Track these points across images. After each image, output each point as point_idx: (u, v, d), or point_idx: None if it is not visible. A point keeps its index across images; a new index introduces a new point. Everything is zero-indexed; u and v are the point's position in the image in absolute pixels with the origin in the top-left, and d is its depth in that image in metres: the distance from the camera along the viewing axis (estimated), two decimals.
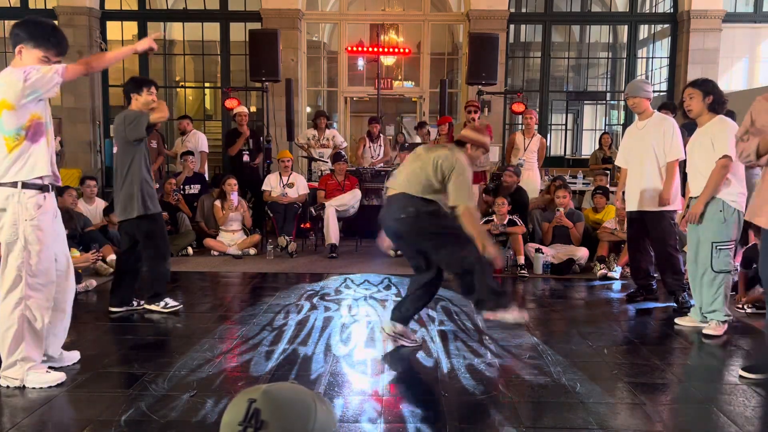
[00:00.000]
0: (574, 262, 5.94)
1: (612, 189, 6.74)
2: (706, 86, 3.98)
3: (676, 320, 4.33)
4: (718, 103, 3.98)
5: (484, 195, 6.73)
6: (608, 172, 8.12)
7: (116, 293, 4.46)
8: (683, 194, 5.16)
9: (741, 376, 3.28)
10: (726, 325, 4.02)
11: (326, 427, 0.97)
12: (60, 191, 6.02)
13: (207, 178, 8.14)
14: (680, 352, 3.81)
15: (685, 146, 4.36)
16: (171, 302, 4.51)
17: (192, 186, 7.57)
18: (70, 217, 5.96)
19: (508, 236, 6.11)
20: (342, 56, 10.95)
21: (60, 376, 3.11)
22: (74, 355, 3.43)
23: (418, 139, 8.91)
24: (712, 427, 2.75)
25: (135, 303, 4.52)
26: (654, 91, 4.90)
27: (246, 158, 7.88)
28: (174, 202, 7.04)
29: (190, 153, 7.67)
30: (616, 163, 5.10)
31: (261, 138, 8.23)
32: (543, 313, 4.69)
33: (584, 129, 12.95)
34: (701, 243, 4.03)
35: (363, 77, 12.61)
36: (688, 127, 7.22)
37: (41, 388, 3.02)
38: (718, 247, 3.91)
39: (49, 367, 3.18)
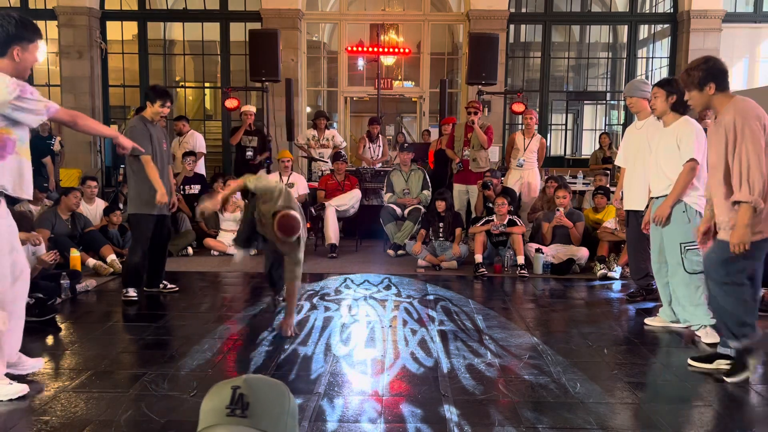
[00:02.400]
0: (574, 262, 5.94)
1: (613, 189, 6.74)
2: (670, 86, 4.01)
3: (646, 320, 4.36)
4: (680, 103, 3.98)
5: (484, 191, 6.73)
6: (608, 172, 8.13)
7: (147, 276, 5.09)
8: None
9: (689, 364, 3.44)
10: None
11: (296, 408, 1.10)
12: (65, 192, 6.05)
13: (206, 178, 8.14)
14: (680, 352, 3.80)
15: None
16: (130, 292, 4.79)
17: (192, 186, 7.57)
18: (72, 217, 5.98)
19: (508, 236, 6.11)
20: (342, 56, 10.95)
21: (22, 388, 2.93)
22: (37, 363, 3.28)
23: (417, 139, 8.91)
24: (712, 427, 2.75)
25: (161, 285, 5.10)
26: None
27: (249, 154, 7.91)
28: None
29: (192, 153, 7.67)
30: (616, 162, 5.11)
31: (266, 137, 8.26)
32: (543, 313, 4.69)
33: (584, 129, 12.95)
34: (667, 245, 4.01)
35: (363, 77, 12.61)
36: None
37: (2, 401, 2.86)
38: (686, 248, 3.88)
39: (6, 374, 3.04)
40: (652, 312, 4.58)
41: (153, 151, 4.71)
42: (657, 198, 4.10)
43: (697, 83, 3.19)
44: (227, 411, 1.00)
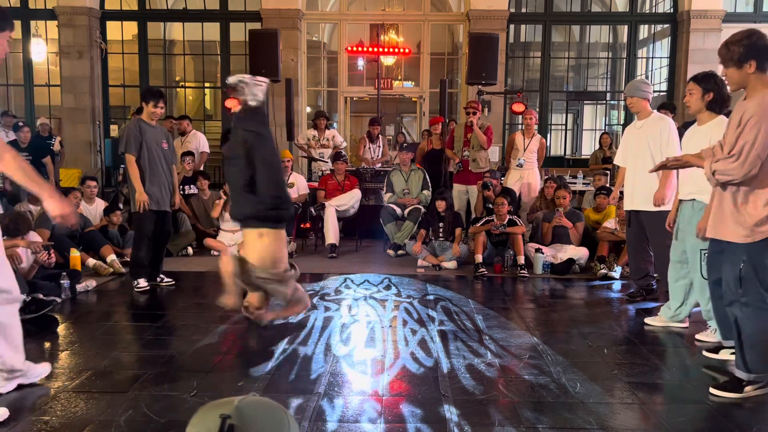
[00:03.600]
0: (574, 262, 5.94)
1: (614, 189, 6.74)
2: (707, 83, 3.71)
3: (647, 320, 4.35)
4: (717, 101, 3.72)
5: (484, 192, 6.73)
6: (608, 172, 8.13)
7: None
8: None
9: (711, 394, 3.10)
10: None
11: None
12: (65, 192, 6.06)
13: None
14: (680, 352, 3.80)
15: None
16: (141, 283, 5.12)
17: (192, 186, 7.57)
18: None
19: (508, 236, 6.11)
20: (342, 56, 10.95)
21: (2, 413, 2.69)
22: (44, 369, 3.14)
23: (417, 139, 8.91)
24: (712, 427, 2.75)
25: (158, 279, 5.35)
26: (654, 91, 4.89)
27: None
28: None
29: (190, 154, 7.66)
30: (615, 162, 5.12)
31: None
32: (543, 313, 4.69)
33: (584, 129, 12.95)
34: (690, 250, 3.93)
35: (363, 77, 12.61)
36: (688, 127, 7.24)
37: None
38: (705, 254, 3.69)
39: (20, 385, 2.99)
40: (652, 312, 4.58)
41: (147, 151, 5.04)
42: (685, 201, 3.98)
43: (736, 59, 2.91)
44: None
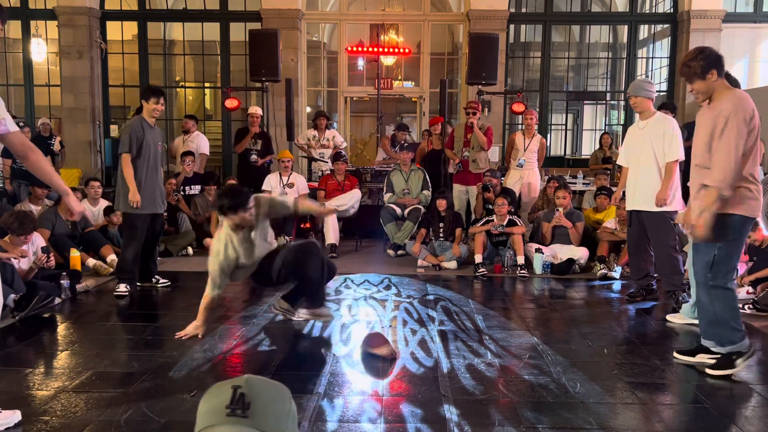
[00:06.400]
0: (574, 262, 5.93)
1: (614, 189, 6.73)
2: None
3: (668, 317, 4.40)
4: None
5: (484, 194, 6.73)
6: (608, 171, 8.13)
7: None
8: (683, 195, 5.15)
9: (674, 357, 3.58)
10: None
11: (296, 411, 1.07)
12: None
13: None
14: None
15: (685, 148, 4.33)
16: (121, 288, 4.96)
17: (192, 187, 7.57)
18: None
19: (508, 236, 6.11)
20: (342, 56, 10.95)
21: (10, 420, 2.60)
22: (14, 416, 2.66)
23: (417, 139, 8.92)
24: (712, 427, 2.75)
25: (154, 280, 5.28)
26: None
27: (254, 158, 7.84)
28: (174, 203, 7.04)
29: (190, 154, 7.66)
30: (618, 162, 5.11)
31: (271, 140, 8.22)
32: (543, 313, 4.69)
33: (584, 129, 12.95)
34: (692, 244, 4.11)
35: (363, 77, 12.60)
36: (689, 128, 7.25)
37: None
38: None
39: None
40: (652, 312, 4.59)
41: (147, 152, 4.96)
42: None
43: (700, 73, 3.27)
44: (227, 411, 0.96)
